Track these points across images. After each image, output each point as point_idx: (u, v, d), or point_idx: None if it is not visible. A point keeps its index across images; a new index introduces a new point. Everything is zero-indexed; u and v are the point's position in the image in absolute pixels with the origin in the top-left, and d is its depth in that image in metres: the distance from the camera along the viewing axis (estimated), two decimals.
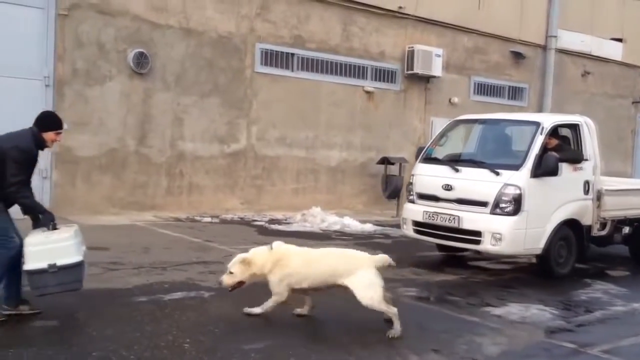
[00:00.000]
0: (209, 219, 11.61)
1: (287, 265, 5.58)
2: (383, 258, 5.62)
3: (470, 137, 9.32)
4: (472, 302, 6.79)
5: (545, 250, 7.93)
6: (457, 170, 8.21)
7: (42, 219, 5.36)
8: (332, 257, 5.74)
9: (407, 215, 8.83)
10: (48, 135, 5.48)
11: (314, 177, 13.62)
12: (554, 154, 7.94)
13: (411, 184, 8.84)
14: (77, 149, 10.73)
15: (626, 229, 9.33)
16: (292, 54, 13.03)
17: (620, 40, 18.77)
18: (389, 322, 5.49)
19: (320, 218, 11.87)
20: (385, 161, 13.78)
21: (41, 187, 10.39)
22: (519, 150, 8.27)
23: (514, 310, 6.53)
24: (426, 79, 14.84)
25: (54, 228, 5.32)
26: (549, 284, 7.95)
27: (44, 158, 10.35)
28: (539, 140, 7.96)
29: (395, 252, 9.49)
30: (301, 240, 9.47)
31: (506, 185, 7.71)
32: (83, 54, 10.65)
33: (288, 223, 11.81)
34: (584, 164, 8.38)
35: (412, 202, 8.74)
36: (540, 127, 8.06)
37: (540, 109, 17.11)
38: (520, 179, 7.72)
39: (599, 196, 8.54)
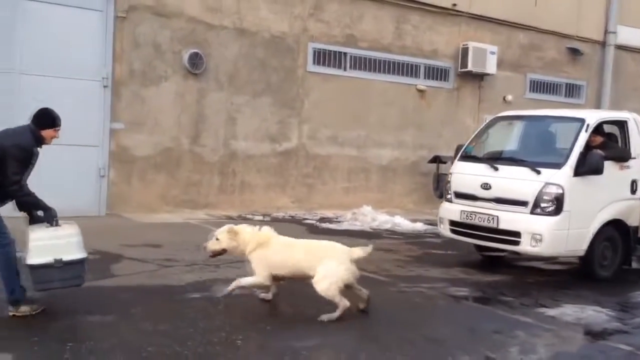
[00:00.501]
0: (260, 217, 11.70)
1: (267, 248, 5.76)
2: (362, 250, 5.69)
3: (511, 135, 9.02)
4: (526, 302, 6.68)
5: (588, 251, 7.65)
6: (496, 169, 7.99)
7: (46, 215, 5.35)
8: (309, 246, 5.91)
9: (443, 214, 8.61)
10: (47, 133, 5.50)
11: (365, 176, 13.61)
12: (599, 151, 7.65)
13: (448, 182, 8.63)
14: (133, 148, 11.00)
15: None
16: (345, 53, 13.05)
17: None
18: (363, 312, 5.79)
19: (370, 217, 11.86)
20: (436, 160, 13.65)
21: (98, 185, 10.76)
22: (561, 147, 7.99)
23: (568, 311, 6.38)
24: (480, 77, 14.63)
25: (57, 224, 5.33)
26: (604, 285, 7.73)
27: (102, 157, 10.71)
28: (583, 137, 7.67)
29: (445, 250, 9.47)
30: (352, 239, 9.49)
31: (547, 184, 7.45)
32: (140, 55, 10.90)
33: (339, 222, 11.83)
34: (631, 163, 8.03)
35: (450, 201, 8.51)
36: (585, 124, 7.76)
37: (598, 106, 16.66)
38: (562, 177, 7.45)
39: None
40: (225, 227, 5.89)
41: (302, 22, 12.54)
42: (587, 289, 7.44)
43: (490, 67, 14.40)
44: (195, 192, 11.72)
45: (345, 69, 13.12)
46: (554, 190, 7.42)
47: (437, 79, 14.28)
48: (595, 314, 6.36)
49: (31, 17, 9.94)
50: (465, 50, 14.21)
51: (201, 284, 6.67)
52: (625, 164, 7.97)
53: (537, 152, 8.23)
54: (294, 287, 6.12)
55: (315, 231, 10.62)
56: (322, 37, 12.79)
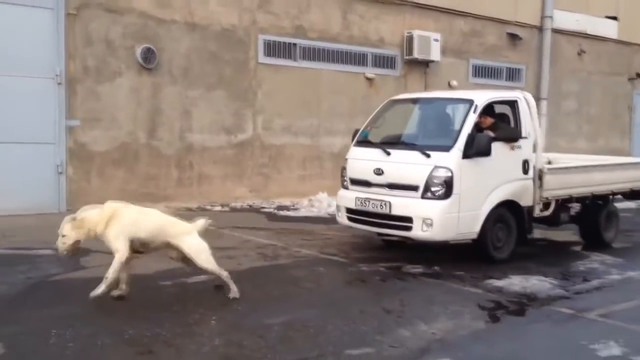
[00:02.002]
0: (219, 208, 12.02)
1: (121, 218, 5.69)
2: (202, 223, 5.98)
3: (405, 118, 8.86)
4: (475, 276, 7.19)
5: (480, 234, 7.53)
6: (388, 154, 7.81)
7: None
8: (162, 217, 6.05)
9: (340, 202, 8.41)
10: None
11: (319, 164, 13.98)
12: (487, 133, 7.65)
13: (344, 168, 8.47)
14: (90, 145, 11.10)
15: (575, 208, 9.01)
16: (294, 44, 13.35)
17: (615, 18, 19.02)
18: (218, 287, 6.09)
19: (326, 203, 12.27)
20: None
21: (57, 182, 10.83)
22: (451, 130, 7.81)
23: (515, 281, 6.94)
24: (425, 64, 15.15)
25: None
26: (548, 257, 8.34)
27: (60, 154, 10.79)
28: (471, 118, 7.54)
29: None
30: (311, 225, 9.89)
31: (436, 167, 7.31)
32: (93, 51, 10.99)
33: (296, 209, 12.22)
34: (522, 142, 7.92)
35: (346, 188, 8.36)
36: (473, 105, 7.64)
37: (537, 89, 17.42)
38: (450, 160, 7.31)
39: (540, 175, 8.11)
40: (66, 219, 5.65)
41: (252, 15, 12.79)
42: (532, 262, 8.01)
43: (435, 54, 14.92)
44: (153, 186, 11.90)
45: (295, 60, 13.43)
46: (442, 174, 7.28)
47: (384, 67, 14.73)
48: (539, 283, 6.94)
49: None
50: (410, 38, 14.68)
51: (170, 272, 6.92)
52: (516, 144, 7.87)
53: (428, 135, 8.10)
54: (256, 271, 6.45)
55: (274, 219, 10.99)
56: (271, 29, 13.06)
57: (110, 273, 5.58)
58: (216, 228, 9.72)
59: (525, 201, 8.03)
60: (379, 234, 8.54)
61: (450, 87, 15.55)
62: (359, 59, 14.35)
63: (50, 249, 6.61)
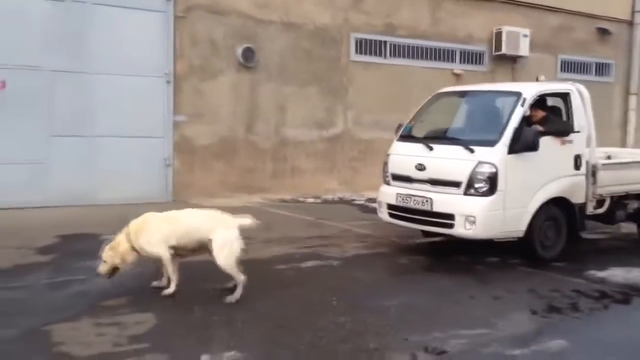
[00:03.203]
0: (311, 200, 12.52)
1: (147, 227, 5.68)
2: (246, 220, 5.77)
3: (451, 112, 8.56)
4: (575, 267, 7.35)
5: (527, 232, 7.22)
6: (430, 149, 7.58)
7: None
8: (194, 214, 5.90)
9: (381, 198, 8.16)
10: None
11: None
12: (535, 127, 7.33)
13: (386, 164, 8.20)
14: (194, 139, 11.80)
15: (634, 205, 8.46)
16: (384, 42, 13.71)
17: None
18: (225, 290, 5.75)
19: None
20: None
21: (164, 174, 11.58)
22: (497, 124, 7.37)
23: (616, 273, 7.09)
24: (513, 59, 15.22)
25: None
26: None
27: (167, 147, 11.53)
28: (518, 112, 7.23)
29: None
30: None
31: (480, 163, 7.01)
32: (198, 51, 11.68)
33: None
34: (573, 137, 7.57)
35: (388, 183, 8.10)
36: (521, 98, 7.32)
37: (627, 84, 17.18)
38: (495, 155, 7.01)
39: (593, 171, 7.73)
40: (106, 246, 5.71)
41: (344, 14, 13.22)
42: (630, 254, 8.10)
43: (523, 49, 14.98)
44: (250, 178, 12.51)
45: (385, 57, 13.79)
46: (487, 169, 6.99)
47: (472, 63, 14.90)
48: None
49: (101, 20, 10.73)
50: (498, 34, 14.80)
51: (283, 257, 7.45)
52: (567, 138, 7.53)
53: (474, 130, 7.79)
54: (361, 258, 6.82)
55: (366, 210, 11.37)
56: (363, 27, 13.46)
57: (169, 277, 5.74)
58: (315, 219, 10.31)
59: (577, 198, 7.67)
60: (424, 232, 8.30)
61: (538, 82, 15.51)
62: (447, 55, 14.58)
63: None
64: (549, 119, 7.61)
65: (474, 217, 6.94)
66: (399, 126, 8.45)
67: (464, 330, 5.10)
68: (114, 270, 5.70)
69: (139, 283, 6.04)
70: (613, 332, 5.27)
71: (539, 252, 7.44)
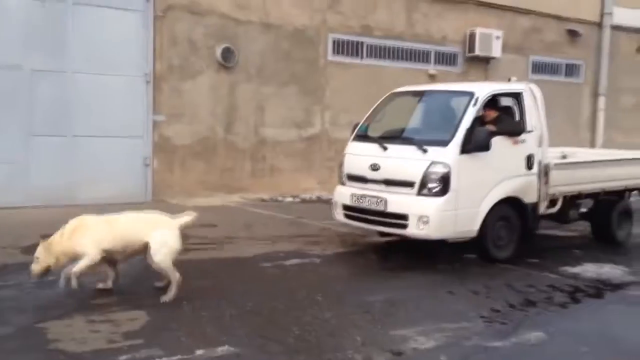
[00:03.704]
0: (290, 199, 12.68)
1: (85, 228, 5.57)
2: (187, 219, 5.74)
3: (406, 111, 8.44)
4: (550, 264, 7.63)
5: (480, 232, 7.21)
6: (385, 149, 7.54)
7: None
8: (132, 217, 5.82)
9: (337, 198, 8.11)
10: None
11: None
12: (487, 127, 7.31)
13: (342, 164, 8.21)
14: (173, 138, 11.86)
15: (587, 204, 8.67)
16: (361, 42, 13.91)
17: None
18: (160, 289, 5.73)
19: None
20: None
21: (144, 173, 11.62)
22: (451, 124, 7.31)
23: (589, 269, 7.40)
24: (486, 61, 15.53)
25: None
26: (617, 248, 8.73)
27: (146, 147, 11.57)
28: (471, 111, 7.21)
29: None
30: None
31: (433, 163, 7.01)
32: (177, 51, 11.74)
33: None
34: (525, 137, 7.58)
35: (343, 184, 8.08)
36: (474, 98, 7.30)
37: (595, 85, 17.65)
38: (448, 155, 7.00)
39: (546, 171, 7.76)
40: (40, 244, 5.57)
41: (322, 15, 13.39)
42: (601, 252, 8.41)
43: (496, 50, 15.28)
44: (229, 177, 12.61)
45: (362, 58, 13.99)
46: (440, 169, 6.98)
47: (446, 64, 15.18)
48: (612, 270, 7.37)
49: (81, 20, 10.74)
50: (472, 36, 15.09)
51: (267, 256, 7.59)
52: (519, 138, 7.54)
53: (427, 130, 7.77)
54: (341, 256, 7.04)
55: None
56: (340, 28, 13.64)
57: (76, 269, 5.46)
58: (295, 217, 10.47)
59: (530, 198, 7.69)
60: (380, 233, 8.29)
61: (510, 83, 15.84)
62: (422, 56, 14.83)
63: None
64: (502, 118, 7.60)
65: (427, 217, 6.94)
66: (355, 125, 8.42)
67: (446, 324, 5.30)
68: (47, 270, 5.55)
69: (127, 281, 6.13)
70: (587, 324, 5.53)
71: (491, 252, 7.45)
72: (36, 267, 5.53)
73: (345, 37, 13.73)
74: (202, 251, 7.70)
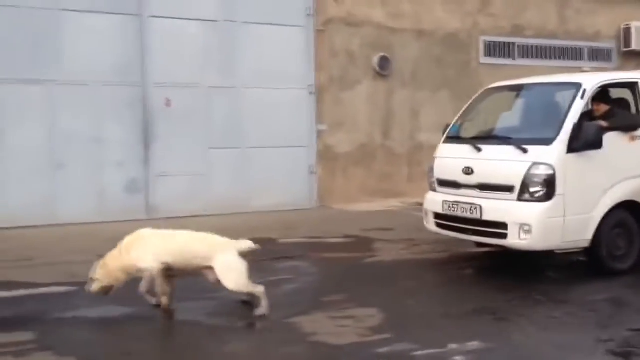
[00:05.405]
0: None
1: (143, 242, 5.37)
2: (246, 243, 5.44)
3: (503, 108, 7.87)
4: None
5: (594, 241, 6.40)
6: (479, 150, 6.84)
7: None
8: (190, 238, 5.53)
9: (427, 206, 7.49)
10: None
11: None
12: (598, 122, 6.54)
13: (431, 168, 7.58)
14: (336, 147, 12.26)
15: None
16: (513, 43, 13.80)
17: None
18: (246, 303, 5.51)
19: None
20: None
21: (309, 181, 12.09)
22: (554, 120, 6.54)
23: None
24: None
25: None
26: None
27: (311, 156, 12.03)
28: (578, 105, 6.42)
29: None
30: None
31: (535, 164, 6.26)
32: (337, 62, 12.16)
33: None
34: None
35: (434, 190, 7.47)
36: (581, 90, 6.49)
37: None
38: (552, 155, 6.24)
39: None
40: (96, 264, 5.42)
41: (473, 18, 13.40)
42: None
43: None
44: (388, 182, 12.84)
45: (514, 58, 13.87)
46: (543, 171, 6.23)
47: (601, 60, 14.74)
48: None
49: (249, 38, 11.36)
50: (627, 30, 14.59)
51: (461, 257, 7.71)
52: (637, 133, 6.64)
53: (528, 127, 7.13)
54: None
55: None
56: (491, 30, 13.60)
57: (158, 288, 5.36)
58: None
59: None
60: (477, 243, 7.57)
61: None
62: (575, 54, 14.49)
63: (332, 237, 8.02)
64: (614, 112, 6.82)
65: (530, 226, 6.18)
66: (446, 126, 7.81)
67: None
68: (107, 290, 5.40)
69: (353, 280, 6.48)
70: None
71: (608, 264, 6.58)
72: (95, 287, 5.37)
73: (497, 39, 13.67)
74: (388, 252, 7.99)
